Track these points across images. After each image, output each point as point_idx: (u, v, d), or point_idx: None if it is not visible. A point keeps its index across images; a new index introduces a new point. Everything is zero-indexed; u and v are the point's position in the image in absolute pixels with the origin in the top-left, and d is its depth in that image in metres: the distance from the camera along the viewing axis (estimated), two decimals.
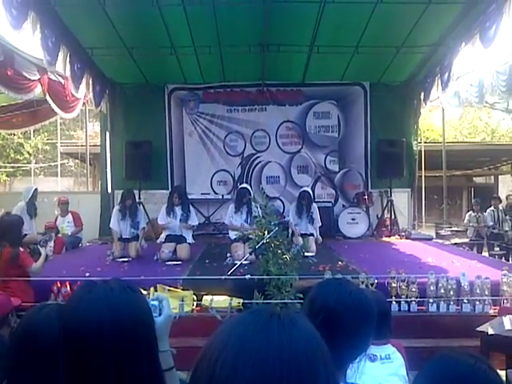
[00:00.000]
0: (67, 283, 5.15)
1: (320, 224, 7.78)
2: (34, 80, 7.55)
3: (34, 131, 17.26)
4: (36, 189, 8.48)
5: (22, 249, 5.11)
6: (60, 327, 1.19)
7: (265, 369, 0.72)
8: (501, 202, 11.46)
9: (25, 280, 4.93)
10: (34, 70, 7.49)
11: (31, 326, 1.49)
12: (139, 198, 9.52)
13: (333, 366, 0.80)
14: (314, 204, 7.84)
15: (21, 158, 20.73)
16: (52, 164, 20.56)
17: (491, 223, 10.91)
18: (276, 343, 0.75)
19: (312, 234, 7.55)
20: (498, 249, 10.72)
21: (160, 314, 1.42)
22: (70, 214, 9.16)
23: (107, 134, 10.45)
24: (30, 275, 4.96)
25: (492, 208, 11.06)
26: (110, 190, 10.32)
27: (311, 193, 8.08)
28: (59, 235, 8.80)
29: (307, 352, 0.76)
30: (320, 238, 7.78)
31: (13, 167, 20.68)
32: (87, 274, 5.65)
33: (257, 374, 0.72)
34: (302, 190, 8.03)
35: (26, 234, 7.38)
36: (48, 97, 8.11)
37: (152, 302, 1.43)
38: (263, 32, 7.58)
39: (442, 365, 1.30)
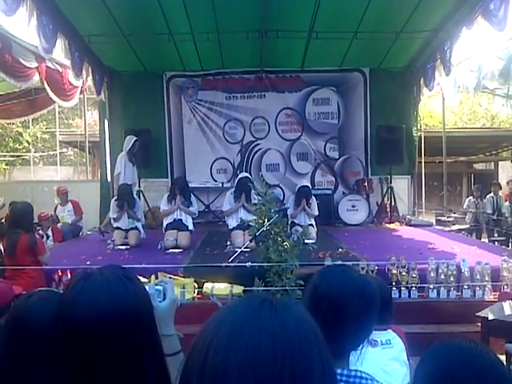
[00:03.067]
0: (68, 271, 5.17)
1: (317, 214, 7.75)
2: (32, 68, 7.51)
3: (32, 120, 17.19)
4: (137, 139, 8.65)
5: (37, 236, 5.16)
6: (52, 316, 1.19)
7: (258, 354, 0.71)
8: (501, 188, 11.45)
9: (41, 267, 5.02)
10: (32, 58, 7.45)
11: (19, 314, 1.49)
12: (139, 187, 9.52)
13: (327, 350, 0.79)
14: (312, 197, 7.80)
15: (20, 147, 20.70)
16: (51, 153, 20.52)
17: (490, 210, 10.93)
18: (268, 328, 0.74)
19: (311, 225, 7.52)
20: (497, 235, 10.76)
21: (164, 299, 1.43)
22: (70, 202, 9.18)
23: (106, 122, 10.42)
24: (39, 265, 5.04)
25: (492, 194, 11.07)
26: (109, 179, 10.31)
27: (310, 187, 8.03)
28: (58, 224, 8.83)
29: (300, 336, 0.75)
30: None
31: (12, 156, 20.64)
32: (88, 263, 5.66)
33: (249, 359, 0.71)
34: (301, 185, 7.91)
35: (129, 184, 7.91)
36: (46, 85, 8.08)
37: (156, 287, 1.44)
38: (261, 18, 7.51)
39: (446, 350, 1.31)
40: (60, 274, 5.17)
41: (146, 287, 1.37)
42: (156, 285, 1.45)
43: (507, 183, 12.12)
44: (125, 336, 1.08)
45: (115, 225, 7.46)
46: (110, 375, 1.07)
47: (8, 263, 4.92)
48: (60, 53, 7.43)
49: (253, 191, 6.20)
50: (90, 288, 1.11)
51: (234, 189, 7.40)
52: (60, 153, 18.77)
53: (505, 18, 6.34)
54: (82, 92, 10.00)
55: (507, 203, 10.88)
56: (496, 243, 9.52)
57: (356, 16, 7.81)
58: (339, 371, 1.38)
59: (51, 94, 8.38)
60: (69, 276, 5.12)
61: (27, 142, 20.62)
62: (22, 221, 5.03)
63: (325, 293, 1.52)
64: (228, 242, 6.91)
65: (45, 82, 8.01)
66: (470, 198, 11.62)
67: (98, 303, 1.08)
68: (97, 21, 7.78)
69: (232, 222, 7.09)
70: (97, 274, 1.15)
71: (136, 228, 7.41)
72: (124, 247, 7.02)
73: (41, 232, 7.78)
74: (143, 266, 5.26)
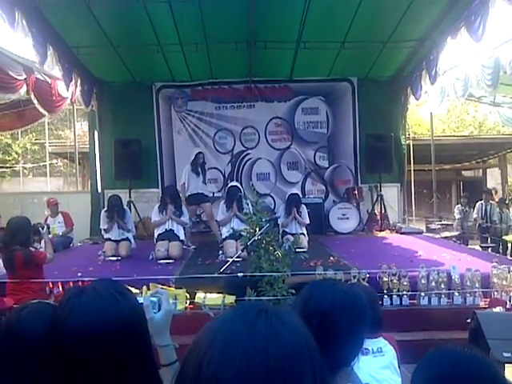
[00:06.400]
0: (59, 283, 5.13)
1: (308, 222, 7.76)
2: (20, 80, 7.48)
3: (21, 131, 17.11)
4: (200, 152, 8.51)
5: (32, 248, 5.10)
6: (43, 329, 1.19)
7: (251, 365, 0.72)
8: (492, 195, 11.44)
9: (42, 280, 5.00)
10: (20, 70, 7.42)
11: (11, 326, 1.48)
12: (129, 197, 9.50)
13: (321, 362, 0.80)
14: (302, 205, 7.81)
15: (9, 159, 20.52)
16: (41, 164, 20.40)
17: (475, 215, 10.99)
18: (262, 339, 0.75)
19: (302, 234, 7.51)
20: (489, 241, 10.83)
21: (159, 310, 1.43)
22: (60, 214, 9.12)
23: (96, 133, 10.39)
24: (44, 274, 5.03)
25: (482, 201, 11.12)
26: (99, 190, 10.27)
27: (300, 195, 8.04)
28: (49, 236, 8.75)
29: (294, 348, 0.76)
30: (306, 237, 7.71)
31: (1, 168, 20.47)
32: (79, 274, 5.61)
33: (243, 370, 0.72)
34: (290, 193, 7.91)
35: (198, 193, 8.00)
36: (33, 96, 8.03)
37: (151, 298, 1.44)
38: (250, 28, 7.58)
39: (440, 356, 1.32)
40: (51, 286, 5.12)
41: (141, 299, 1.37)
42: (151, 296, 1.46)
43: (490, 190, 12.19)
44: (117, 353, 1.08)
45: (106, 236, 7.42)
46: None
47: (11, 279, 4.90)
48: (50, 64, 7.43)
49: (244, 200, 6.20)
50: (82, 306, 1.11)
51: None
52: (50, 164, 18.69)
53: (482, 30, 6.49)
54: (72, 103, 9.95)
55: (498, 210, 10.93)
56: (490, 250, 9.57)
57: (343, 26, 7.90)
58: None
59: (37, 106, 8.32)
60: (60, 288, 5.08)
61: (16, 153, 20.48)
62: (18, 236, 4.94)
63: (316, 307, 1.46)
64: (220, 252, 6.90)
65: (31, 94, 7.95)
66: (459, 205, 11.70)
67: (90, 322, 1.08)
68: (85, 32, 7.80)
69: (224, 232, 7.09)
70: (90, 290, 1.15)
71: (127, 239, 7.37)
72: (115, 258, 6.98)
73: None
74: (135, 277, 5.23)
